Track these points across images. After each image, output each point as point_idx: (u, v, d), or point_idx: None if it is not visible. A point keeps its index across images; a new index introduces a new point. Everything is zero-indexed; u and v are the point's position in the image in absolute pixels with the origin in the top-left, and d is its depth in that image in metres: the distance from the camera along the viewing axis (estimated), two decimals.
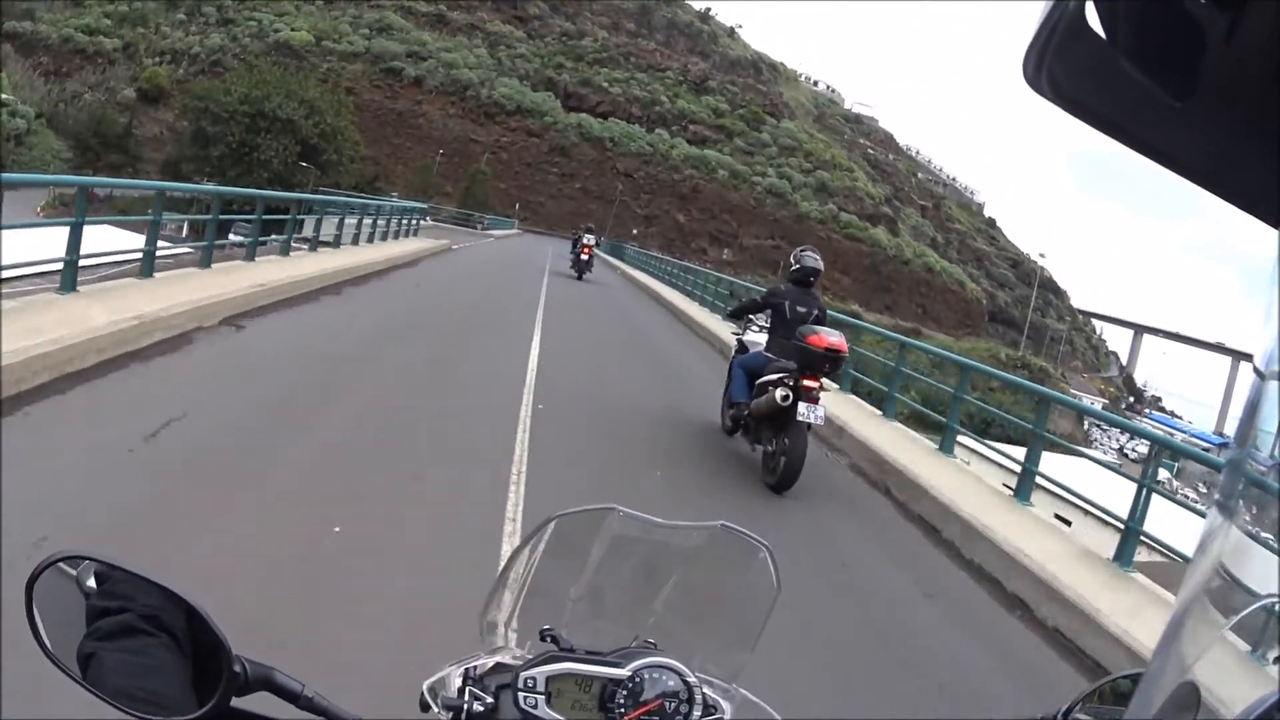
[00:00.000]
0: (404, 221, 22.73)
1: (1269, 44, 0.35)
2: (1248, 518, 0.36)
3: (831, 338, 5.76)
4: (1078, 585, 5.03)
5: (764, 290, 7.37)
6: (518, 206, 73.26)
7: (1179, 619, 0.38)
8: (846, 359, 6.06)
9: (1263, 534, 0.35)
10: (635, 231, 75.42)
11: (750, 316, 7.25)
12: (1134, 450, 50.49)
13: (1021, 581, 5.33)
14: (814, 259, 6.75)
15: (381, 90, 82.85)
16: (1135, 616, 4.66)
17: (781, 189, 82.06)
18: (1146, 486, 5.60)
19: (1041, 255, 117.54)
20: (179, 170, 46.10)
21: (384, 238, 19.49)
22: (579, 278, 23.22)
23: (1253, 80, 0.36)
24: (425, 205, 31.95)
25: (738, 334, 7.46)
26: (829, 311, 7.07)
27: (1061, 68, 0.39)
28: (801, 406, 5.72)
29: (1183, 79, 0.37)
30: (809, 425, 5.83)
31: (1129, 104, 0.39)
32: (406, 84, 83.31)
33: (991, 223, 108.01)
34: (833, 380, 8.03)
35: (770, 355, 6.49)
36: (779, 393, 5.78)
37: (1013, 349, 72.93)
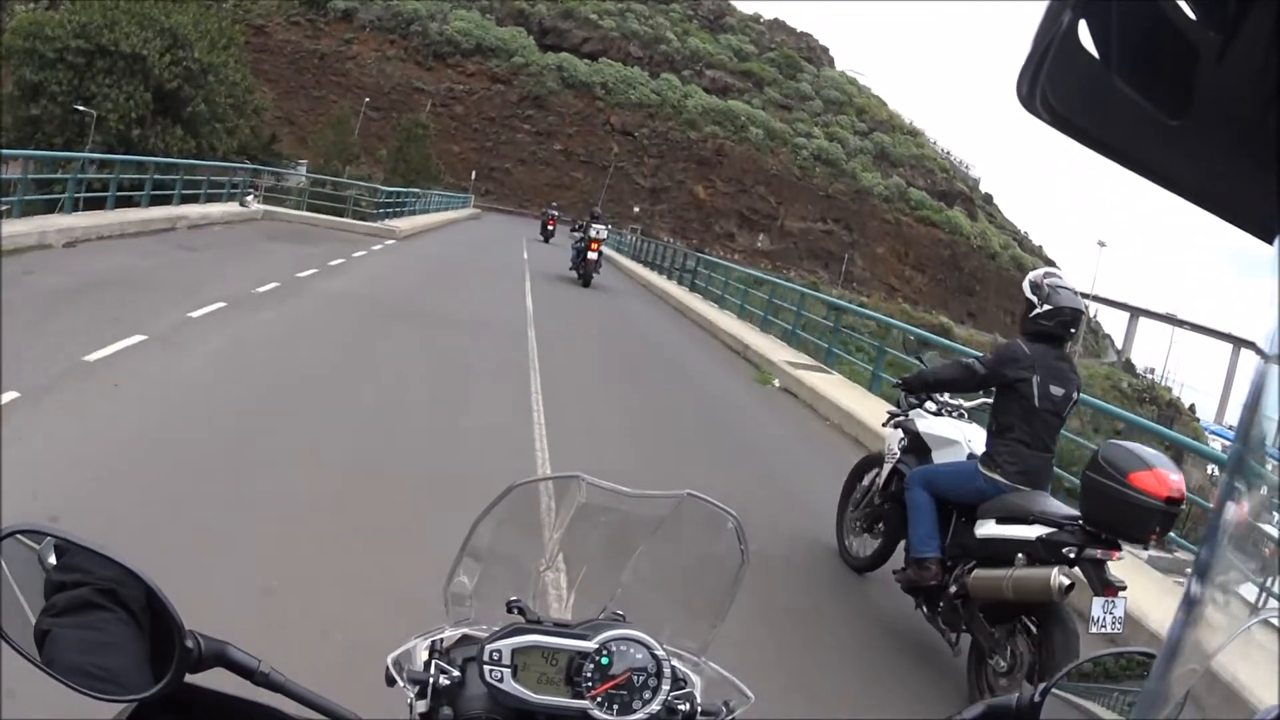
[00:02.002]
0: None
1: (1261, 64, 0.39)
2: (1254, 512, 0.40)
3: (1173, 477, 4.04)
4: None
5: (989, 354, 5.25)
6: (474, 176, 63.49)
7: (1184, 619, 0.42)
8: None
9: (1270, 529, 0.39)
10: (637, 210, 66.75)
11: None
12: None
13: None
14: (1073, 297, 4.87)
15: (300, 28, 75.31)
16: None
17: (833, 155, 72.20)
18: None
19: (1101, 244, 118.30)
20: None
21: None
22: (585, 285, 20.20)
23: (1246, 100, 0.40)
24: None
25: (899, 415, 5.46)
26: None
27: (1054, 88, 0.43)
28: (1095, 606, 3.97)
29: (1176, 98, 0.41)
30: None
31: (1123, 124, 0.43)
32: (333, 19, 76.15)
33: (989, 198, 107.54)
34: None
35: (993, 474, 4.60)
36: (1054, 577, 4.02)
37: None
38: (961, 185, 76.84)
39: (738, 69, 78.53)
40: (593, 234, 19.93)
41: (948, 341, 11.38)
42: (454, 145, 70.06)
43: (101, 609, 0.88)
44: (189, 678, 0.90)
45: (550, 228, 36.41)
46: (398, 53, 75.63)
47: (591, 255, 20.08)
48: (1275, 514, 0.39)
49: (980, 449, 4.87)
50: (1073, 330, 4.98)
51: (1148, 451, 4.42)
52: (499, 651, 1.00)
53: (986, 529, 4.58)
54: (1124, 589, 4.18)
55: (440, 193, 48.79)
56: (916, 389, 5.44)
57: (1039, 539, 4.29)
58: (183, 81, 37.11)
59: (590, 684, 1.01)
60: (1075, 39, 0.42)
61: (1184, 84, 0.40)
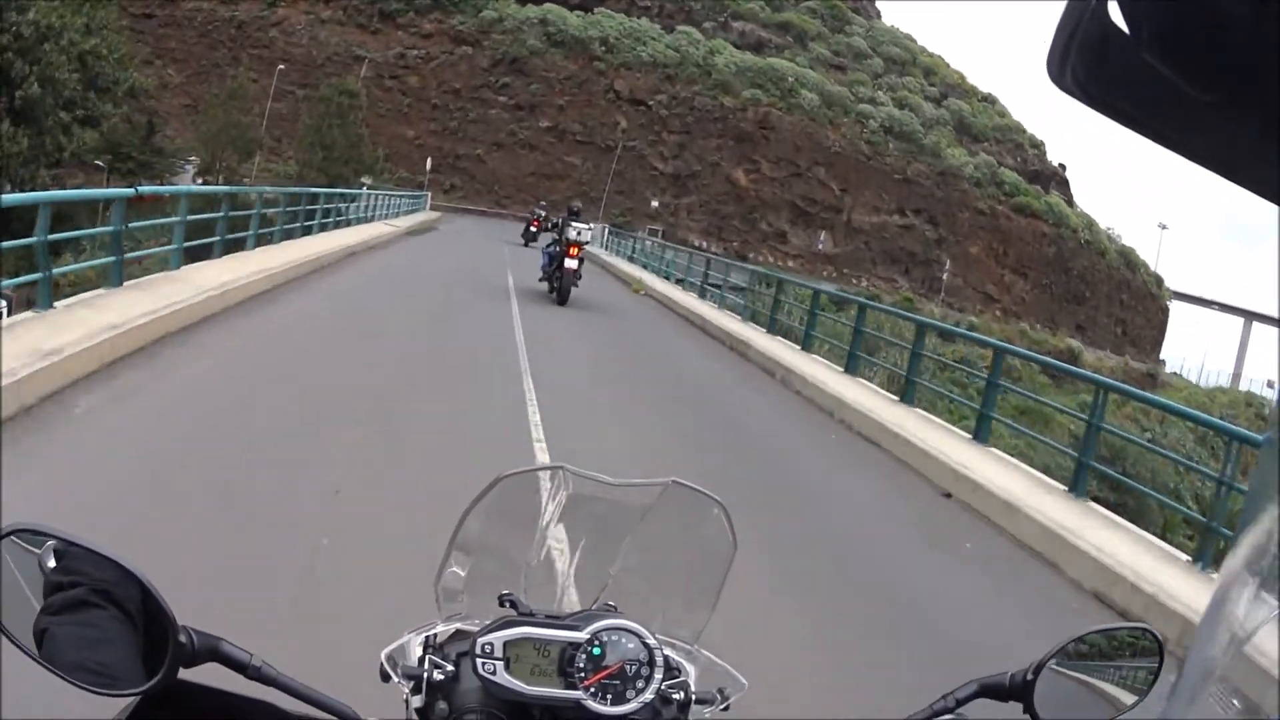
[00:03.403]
0: None
1: None
2: None
3: None
4: None
5: None
6: (429, 165, 54.33)
7: (1216, 607, 0.44)
8: None
9: None
10: (655, 204, 56.76)
11: None
12: None
13: None
14: None
15: None
16: None
17: (908, 126, 61.53)
18: None
19: (1163, 227, 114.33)
20: None
21: None
22: (561, 303, 18.79)
23: (1275, 73, 0.43)
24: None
25: None
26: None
27: (1085, 64, 0.46)
28: None
29: (1206, 73, 0.44)
30: None
31: (1153, 99, 0.46)
32: None
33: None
34: None
35: None
36: None
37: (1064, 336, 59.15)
38: (1054, 165, 67.31)
39: (772, 20, 67.96)
40: (572, 235, 18.66)
41: None
42: (407, 128, 61.28)
43: (97, 607, 0.98)
44: (184, 674, 0.98)
45: (534, 229, 35.87)
46: (333, 14, 67.80)
47: (570, 263, 19.14)
48: None
49: None
50: None
51: None
52: (491, 645, 1.09)
53: None
54: None
55: (389, 190, 38.64)
56: None
57: None
58: (13, 54, 29.27)
59: (583, 675, 1.10)
60: (1106, 16, 0.45)
61: (1214, 59, 0.43)
